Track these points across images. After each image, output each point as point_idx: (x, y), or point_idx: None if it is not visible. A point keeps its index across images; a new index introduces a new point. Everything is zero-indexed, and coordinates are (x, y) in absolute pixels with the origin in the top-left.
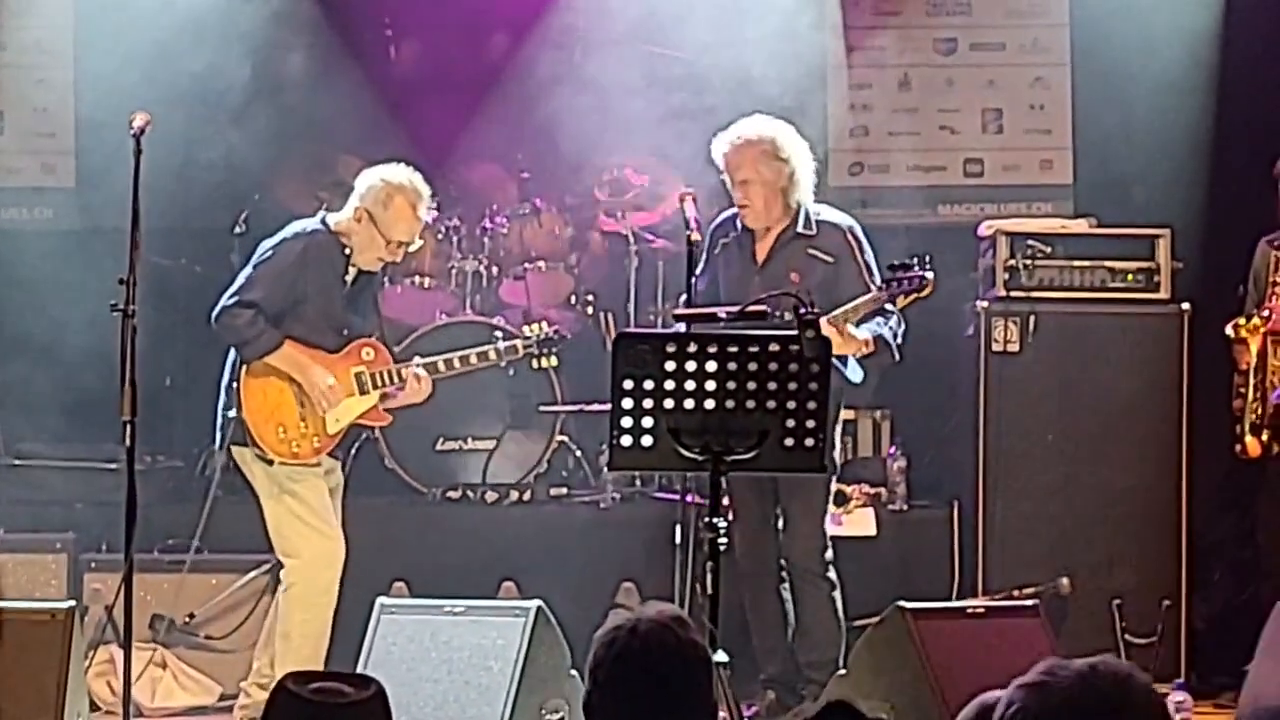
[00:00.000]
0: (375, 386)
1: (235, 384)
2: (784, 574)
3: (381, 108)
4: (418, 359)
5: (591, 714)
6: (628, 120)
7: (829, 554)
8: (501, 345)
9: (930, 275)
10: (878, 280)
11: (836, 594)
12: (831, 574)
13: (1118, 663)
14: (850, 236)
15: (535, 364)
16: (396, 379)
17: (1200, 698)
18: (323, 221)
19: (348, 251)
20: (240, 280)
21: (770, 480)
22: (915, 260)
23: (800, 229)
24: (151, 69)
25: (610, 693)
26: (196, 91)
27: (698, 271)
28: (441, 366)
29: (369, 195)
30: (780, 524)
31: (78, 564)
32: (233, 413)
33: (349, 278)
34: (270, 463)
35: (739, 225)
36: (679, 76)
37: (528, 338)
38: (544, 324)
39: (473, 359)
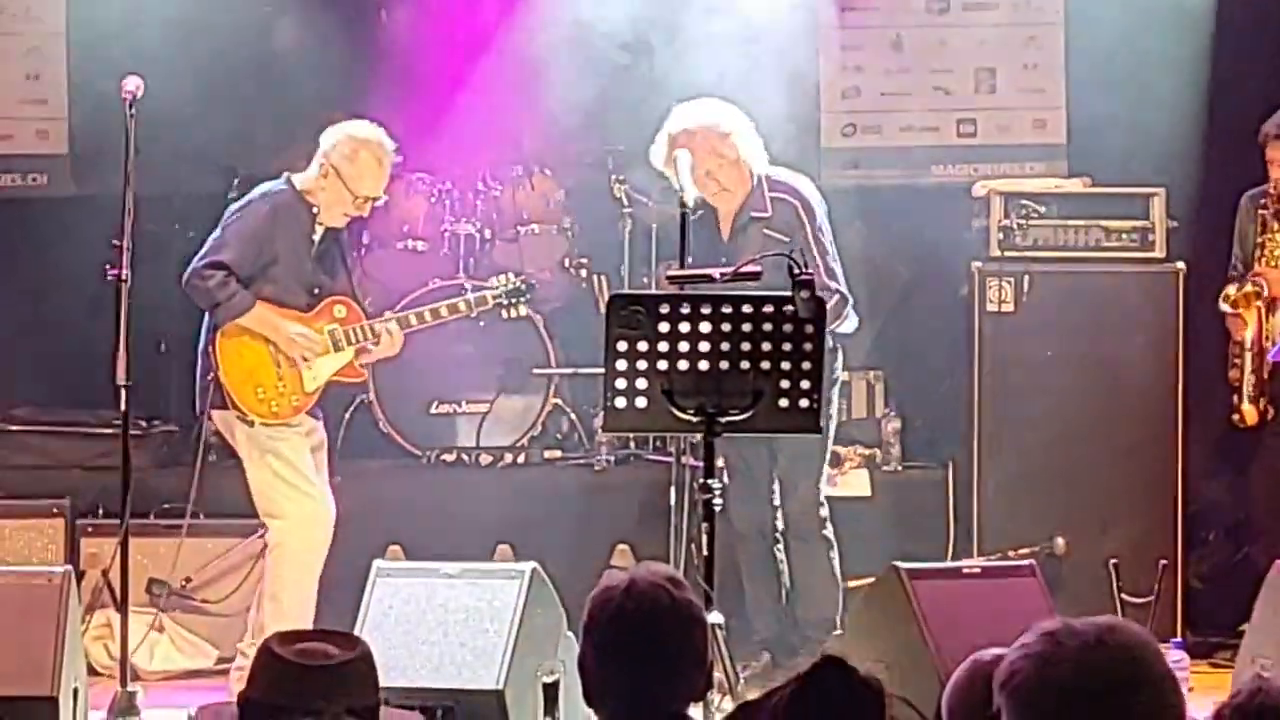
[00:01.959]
0: (350, 343)
1: (210, 348)
2: (779, 535)
3: (373, 72)
4: (388, 314)
5: (586, 674)
6: (619, 83)
7: (824, 513)
8: (471, 296)
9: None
10: (828, 251)
11: (834, 554)
12: (828, 532)
13: (1127, 632)
14: (803, 212)
15: (506, 314)
16: (370, 334)
17: (1196, 657)
18: (288, 181)
19: (315, 210)
20: (209, 243)
21: (766, 440)
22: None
23: (754, 211)
24: (143, 35)
25: (604, 652)
26: (188, 57)
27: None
28: (413, 320)
29: (334, 151)
30: (776, 485)
31: (74, 529)
32: (210, 377)
33: (316, 236)
34: (251, 424)
35: (703, 203)
36: (670, 39)
37: (495, 288)
38: (512, 274)
39: (443, 311)
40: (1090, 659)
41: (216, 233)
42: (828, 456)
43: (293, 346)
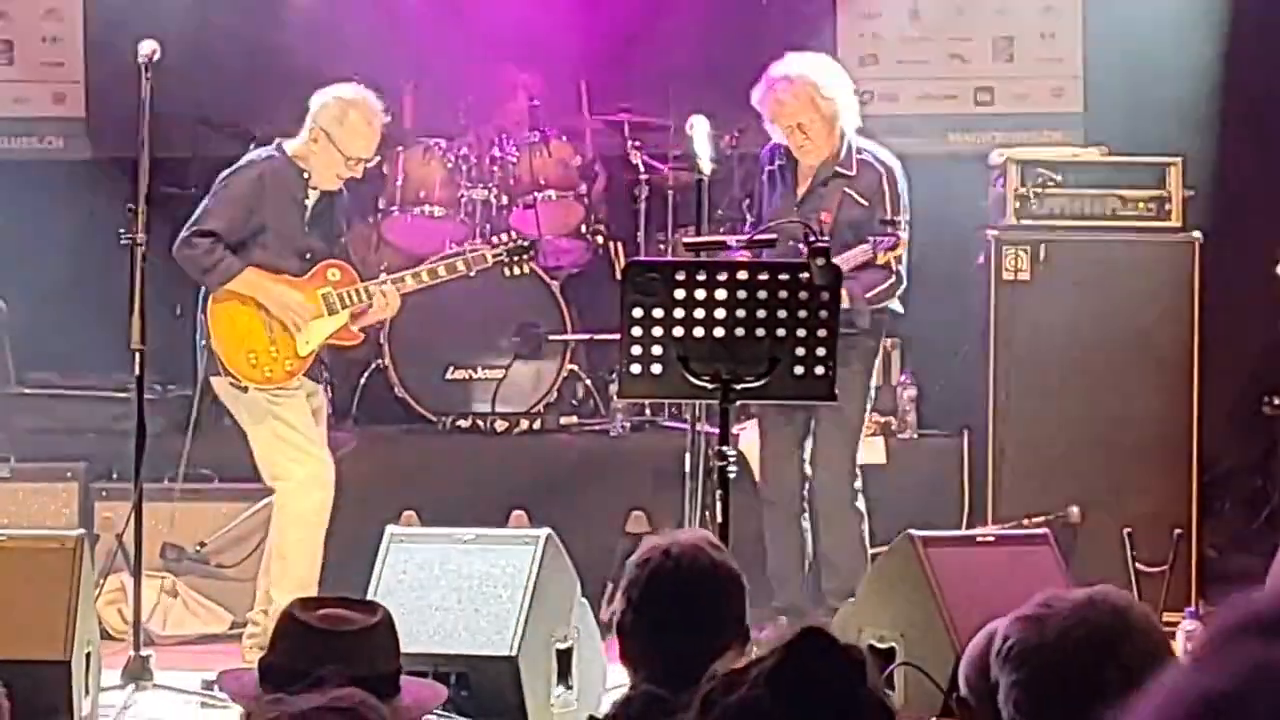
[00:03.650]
0: (344, 305)
1: (204, 315)
2: (805, 504)
3: (390, 34)
4: (384, 276)
5: (625, 634)
6: (635, 48)
7: (858, 484)
8: (469, 255)
9: (903, 235)
10: (903, 229)
11: (864, 525)
12: (860, 504)
13: (1116, 594)
14: (887, 181)
15: (507, 272)
16: (365, 296)
17: None
18: (279, 148)
19: (306, 175)
20: (198, 211)
21: (802, 407)
22: (895, 219)
23: (839, 167)
24: None
25: (644, 613)
26: (206, 20)
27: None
28: (409, 280)
29: (323, 114)
30: (809, 453)
31: (89, 493)
32: (204, 343)
33: (309, 201)
34: (244, 389)
35: (785, 154)
36: (687, 5)
37: (495, 246)
38: (513, 233)
39: (441, 271)
40: (1079, 615)
41: (206, 200)
42: (865, 427)
43: (284, 311)
